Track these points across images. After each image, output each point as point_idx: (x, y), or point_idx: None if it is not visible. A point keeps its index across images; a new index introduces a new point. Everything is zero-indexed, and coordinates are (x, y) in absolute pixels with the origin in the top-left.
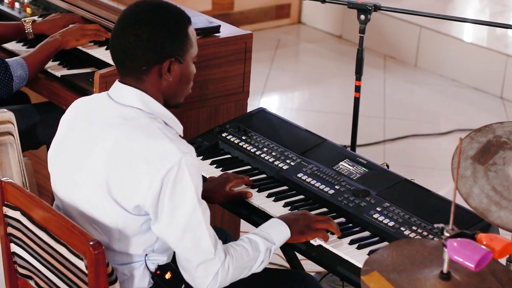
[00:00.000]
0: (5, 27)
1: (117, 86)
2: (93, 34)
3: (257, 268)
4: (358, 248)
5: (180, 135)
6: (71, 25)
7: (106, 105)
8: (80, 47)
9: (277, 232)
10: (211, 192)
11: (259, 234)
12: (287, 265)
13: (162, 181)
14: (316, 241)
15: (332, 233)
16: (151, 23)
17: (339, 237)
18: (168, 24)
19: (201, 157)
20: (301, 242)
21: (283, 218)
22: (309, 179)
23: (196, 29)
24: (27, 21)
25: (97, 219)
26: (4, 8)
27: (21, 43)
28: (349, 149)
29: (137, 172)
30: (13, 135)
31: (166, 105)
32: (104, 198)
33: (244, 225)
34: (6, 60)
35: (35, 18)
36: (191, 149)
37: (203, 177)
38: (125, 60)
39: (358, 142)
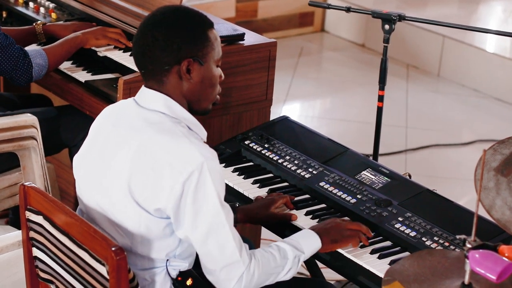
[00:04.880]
0: (18, 31)
1: (143, 90)
2: (113, 38)
3: (284, 275)
4: (380, 257)
5: (204, 141)
6: (93, 28)
7: (132, 110)
8: (104, 53)
9: (307, 241)
10: (254, 213)
11: (288, 242)
12: (307, 273)
13: (184, 185)
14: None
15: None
16: (168, 25)
17: (361, 247)
18: (185, 26)
19: (223, 164)
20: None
21: (313, 228)
22: (331, 188)
23: (220, 37)
24: (38, 23)
25: (121, 222)
26: (30, 13)
27: (40, 46)
28: (371, 158)
29: (159, 175)
30: (36, 140)
31: (191, 110)
32: (127, 201)
33: (265, 232)
34: (26, 48)
35: (46, 21)
36: (213, 154)
37: (235, 189)
38: (145, 63)
39: (380, 151)
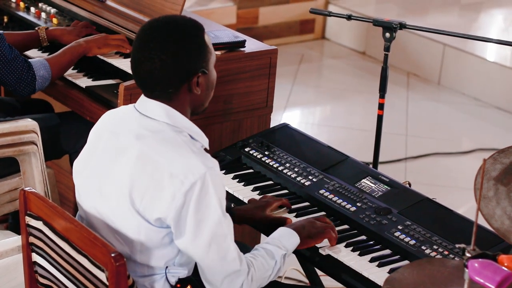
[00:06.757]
0: (21, 35)
1: (143, 100)
2: (116, 45)
3: (274, 276)
4: (379, 266)
5: (206, 148)
6: (96, 35)
7: (133, 117)
8: (105, 58)
9: (287, 239)
10: (250, 214)
11: (271, 243)
12: (306, 281)
13: (185, 196)
14: (325, 251)
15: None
16: (172, 45)
17: (360, 255)
18: (188, 41)
19: (223, 171)
20: (319, 254)
21: (290, 226)
22: (331, 196)
23: (221, 44)
24: (41, 28)
25: (120, 230)
26: (31, 18)
27: (45, 53)
28: (371, 166)
29: (160, 184)
30: (36, 145)
31: (193, 113)
32: (127, 209)
33: (264, 239)
34: (30, 60)
35: (48, 26)
36: (215, 163)
37: (234, 196)
38: (154, 86)
39: (380, 159)
